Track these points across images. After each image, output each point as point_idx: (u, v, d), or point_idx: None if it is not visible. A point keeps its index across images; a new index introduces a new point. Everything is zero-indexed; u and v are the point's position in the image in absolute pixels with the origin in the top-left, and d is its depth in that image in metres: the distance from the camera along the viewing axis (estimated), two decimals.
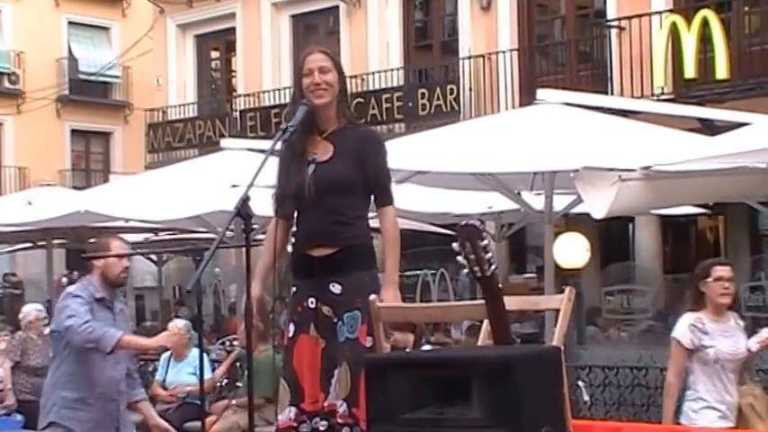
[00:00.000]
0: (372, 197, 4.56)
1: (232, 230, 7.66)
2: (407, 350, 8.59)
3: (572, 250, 11.40)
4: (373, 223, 4.61)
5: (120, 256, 5.96)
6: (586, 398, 8.42)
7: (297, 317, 4.52)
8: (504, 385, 3.56)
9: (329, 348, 4.42)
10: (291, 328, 4.54)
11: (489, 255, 3.84)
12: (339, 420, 4.36)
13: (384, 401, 3.77)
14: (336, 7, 20.83)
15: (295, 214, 4.56)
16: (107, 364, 5.88)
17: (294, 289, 4.57)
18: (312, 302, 4.47)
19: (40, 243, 15.50)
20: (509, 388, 3.55)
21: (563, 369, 3.90)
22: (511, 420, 3.55)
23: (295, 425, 4.46)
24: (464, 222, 3.84)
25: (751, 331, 5.99)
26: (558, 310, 4.23)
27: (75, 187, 23.82)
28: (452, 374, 3.69)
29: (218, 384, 10.53)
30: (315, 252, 4.46)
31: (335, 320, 4.43)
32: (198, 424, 9.00)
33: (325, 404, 4.39)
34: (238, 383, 10.22)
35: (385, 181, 4.58)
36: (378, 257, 4.59)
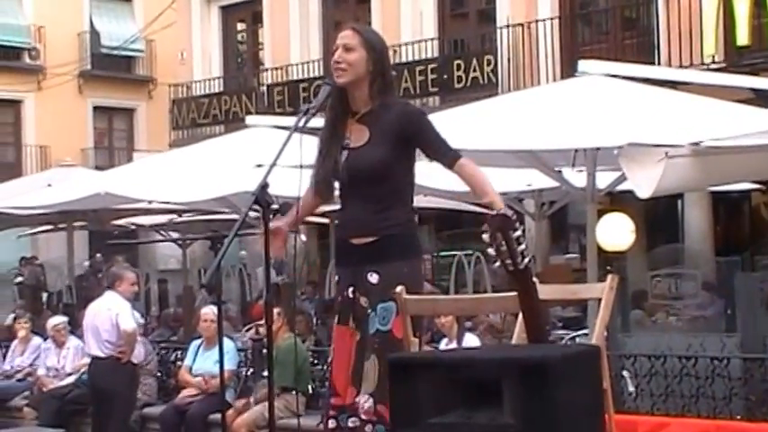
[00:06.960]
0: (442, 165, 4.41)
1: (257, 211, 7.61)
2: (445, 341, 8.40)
3: (616, 232, 10.98)
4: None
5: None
6: (631, 389, 8.15)
7: (339, 307, 4.47)
8: (538, 388, 3.37)
9: (363, 341, 4.32)
10: (336, 318, 4.50)
11: (522, 246, 3.67)
12: (363, 416, 4.24)
13: (409, 405, 3.59)
14: None
15: (336, 196, 4.51)
16: None
17: (336, 278, 4.56)
18: (351, 292, 4.38)
19: (61, 226, 15.26)
20: (543, 391, 3.36)
21: (602, 370, 3.75)
22: (546, 426, 3.36)
23: (329, 418, 4.40)
24: (495, 212, 3.66)
25: None
26: (599, 300, 4.04)
27: (97, 166, 23.59)
28: (482, 376, 3.49)
29: (244, 374, 10.17)
30: (354, 240, 4.38)
31: (369, 311, 4.32)
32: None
33: (356, 400, 4.27)
34: (264, 373, 9.89)
35: (443, 148, 4.36)
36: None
